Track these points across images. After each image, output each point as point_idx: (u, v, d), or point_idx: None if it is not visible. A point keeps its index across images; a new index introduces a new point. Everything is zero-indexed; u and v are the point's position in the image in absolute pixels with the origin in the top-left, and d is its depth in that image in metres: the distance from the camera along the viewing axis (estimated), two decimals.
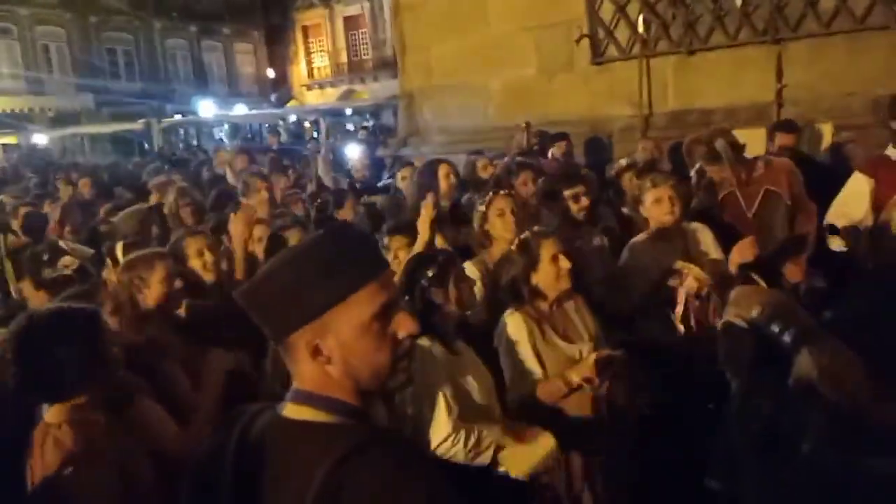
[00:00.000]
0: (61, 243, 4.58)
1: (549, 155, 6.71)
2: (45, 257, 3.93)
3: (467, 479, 2.62)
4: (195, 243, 3.71)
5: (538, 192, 4.83)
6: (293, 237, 4.29)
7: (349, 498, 1.21)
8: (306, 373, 1.38)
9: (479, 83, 8.64)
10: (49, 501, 2.13)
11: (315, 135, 27.69)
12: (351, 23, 37.67)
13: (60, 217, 5.77)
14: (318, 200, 5.82)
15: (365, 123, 27.34)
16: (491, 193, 3.93)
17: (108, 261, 3.89)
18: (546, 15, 7.99)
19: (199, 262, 3.68)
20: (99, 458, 2.15)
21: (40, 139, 24.22)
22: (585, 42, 7.81)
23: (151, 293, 3.13)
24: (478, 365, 2.96)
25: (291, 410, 1.39)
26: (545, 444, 2.82)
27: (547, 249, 3.11)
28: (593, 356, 2.95)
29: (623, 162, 5.80)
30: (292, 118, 30.53)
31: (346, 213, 5.28)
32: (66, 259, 4.15)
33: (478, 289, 3.43)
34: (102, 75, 33.25)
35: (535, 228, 3.38)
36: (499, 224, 3.78)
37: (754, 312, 1.68)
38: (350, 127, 28.11)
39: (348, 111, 29.01)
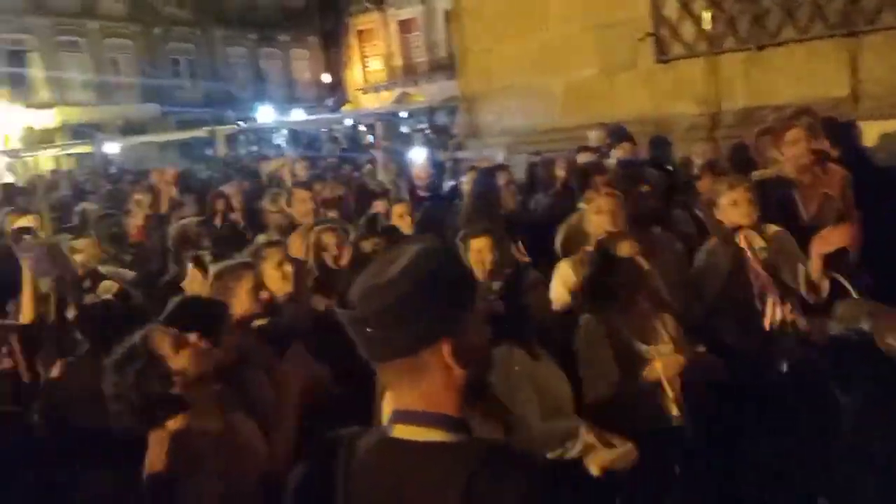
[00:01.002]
0: (101, 269, 4.73)
1: (613, 156, 6.64)
2: (87, 284, 4.06)
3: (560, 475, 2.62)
4: (275, 255, 3.77)
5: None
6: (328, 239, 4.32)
7: None
8: (426, 387, 1.36)
9: (541, 84, 8.60)
10: (157, 495, 2.20)
11: (371, 139, 28.00)
12: (405, 26, 37.92)
13: (142, 225, 5.94)
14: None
15: (420, 126, 27.51)
16: (592, 192, 3.90)
17: (192, 268, 3.98)
18: (608, 14, 7.90)
19: (279, 273, 3.72)
20: (207, 468, 2.22)
21: (112, 148, 24.98)
22: (649, 40, 7.71)
23: (238, 303, 3.20)
24: (556, 368, 2.97)
25: (403, 432, 1.38)
26: (626, 446, 2.80)
27: (623, 250, 3.09)
28: (676, 356, 2.93)
29: (697, 162, 5.70)
30: (348, 122, 30.91)
31: (400, 220, 5.25)
32: (106, 284, 4.29)
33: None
34: (167, 85, 34.17)
35: (612, 230, 3.36)
36: (596, 222, 3.74)
37: (865, 325, 1.64)
38: (405, 130, 28.33)
39: (403, 114, 29.23)
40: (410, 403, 1.38)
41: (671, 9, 7.60)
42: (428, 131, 24.37)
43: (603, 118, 7.48)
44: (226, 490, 2.28)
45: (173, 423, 2.29)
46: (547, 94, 8.55)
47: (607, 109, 7.80)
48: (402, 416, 1.39)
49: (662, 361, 2.99)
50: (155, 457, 2.28)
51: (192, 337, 2.33)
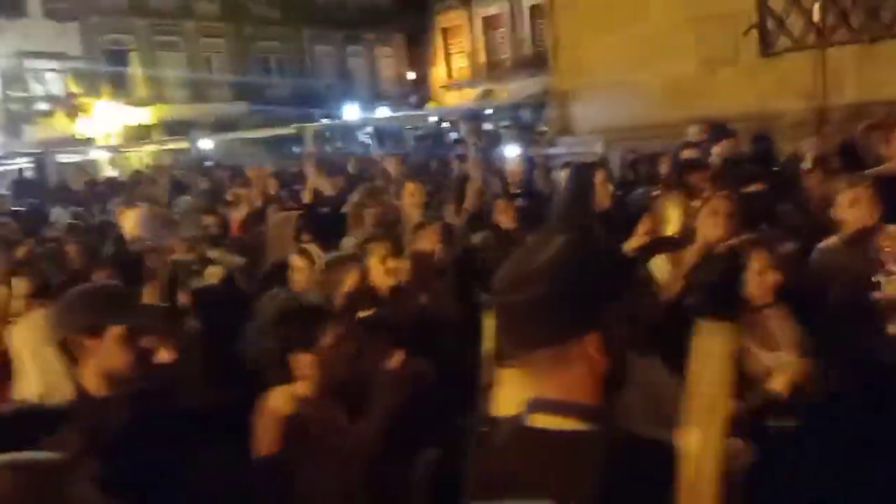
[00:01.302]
0: (210, 254, 4.84)
1: (714, 153, 6.45)
2: (195, 267, 4.16)
3: None
4: (379, 249, 3.79)
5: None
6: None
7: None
8: (568, 378, 1.34)
9: (636, 80, 8.44)
10: (269, 477, 2.25)
11: (454, 136, 28.07)
12: (490, 22, 37.85)
13: (244, 220, 6.09)
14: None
15: (503, 123, 27.41)
16: (709, 192, 3.80)
17: (297, 258, 4.06)
18: (710, 6, 7.69)
19: (382, 267, 3.75)
20: (325, 448, 2.26)
21: (205, 144, 25.84)
22: (752, 34, 7.48)
23: (343, 294, 3.25)
24: (663, 370, 2.88)
25: (541, 421, 1.35)
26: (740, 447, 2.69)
27: (757, 260, 2.97)
28: (800, 363, 2.80)
29: (807, 158, 5.47)
30: (432, 119, 31.08)
31: (502, 217, 5.19)
32: (212, 269, 4.38)
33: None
34: (256, 83, 35.12)
35: (747, 236, 3.24)
36: (710, 224, 3.63)
37: None
38: (488, 127, 28.28)
39: (487, 111, 29.17)
40: (551, 392, 1.35)
41: (777, 1, 7.34)
42: (512, 128, 24.21)
43: (703, 114, 7.28)
44: (338, 473, 2.32)
45: (284, 405, 2.34)
46: (643, 90, 8.39)
47: (707, 105, 7.59)
48: (540, 405, 1.36)
49: (785, 370, 2.87)
50: (266, 440, 2.33)
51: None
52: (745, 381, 2.91)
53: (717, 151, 6.43)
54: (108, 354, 2.13)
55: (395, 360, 3.04)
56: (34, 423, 2.14)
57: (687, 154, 6.05)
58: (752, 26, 7.38)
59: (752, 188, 4.48)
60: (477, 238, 4.36)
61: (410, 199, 5.38)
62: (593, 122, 8.99)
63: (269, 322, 2.37)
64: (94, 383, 2.16)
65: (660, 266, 3.69)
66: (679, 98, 7.97)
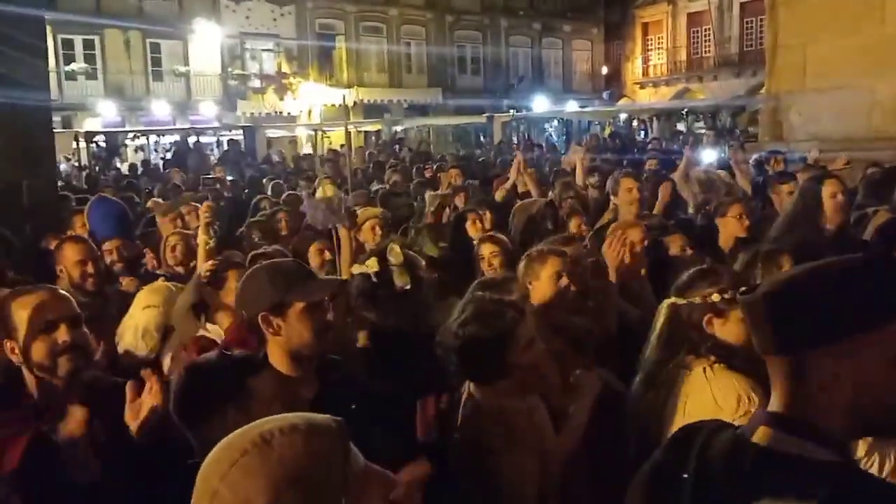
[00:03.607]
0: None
1: None
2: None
3: None
4: (574, 249, 3.66)
5: None
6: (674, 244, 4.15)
7: None
8: (796, 396, 1.25)
9: (864, 86, 7.71)
10: (475, 478, 2.25)
11: (643, 135, 27.19)
12: (695, 19, 36.25)
13: (439, 205, 6.20)
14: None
15: (699, 126, 26.17)
16: None
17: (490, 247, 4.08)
18: None
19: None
20: (522, 443, 2.23)
21: (398, 128, 26.81)
22: None
23: (540, 286, 3.19)
24: None
25: (764, 436, 1.26)
26: None
27: None
28: None
29: None
30: (623, 116, 30.29)
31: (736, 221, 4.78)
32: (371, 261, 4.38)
33: None
34: (450, 71, 35.92)
35: None
36: None
37: None
38: (681, 127, 27.12)
39: (683, 111, 27.98)
40: (783, 407, 1.28)
41: None
42: (709, 132, 23.03)
43: None
44: (540, 466, 2.28)
45: (485, 395, 2.32)
46: (871, 98, 7.66)
47: None
48: (770, 419, 1.28)
49: None
50: (472, 430, 2.32)
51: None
52: None
53: None
54: (293, 331, 2.20)
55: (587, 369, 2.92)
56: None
57: None
58: None
59: None
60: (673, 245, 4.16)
61: (627, 195, 5.20)
62: (810, 129, 8.33)
63: (474, 319, 2.34)
64: (280, 360, 2.24)
65: None
66: None
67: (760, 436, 1.27)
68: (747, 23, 32.80)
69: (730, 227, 4.50)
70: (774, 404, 1.30)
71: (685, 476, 1.30)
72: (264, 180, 11.81)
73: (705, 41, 35.65)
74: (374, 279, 3.07)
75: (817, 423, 1.24)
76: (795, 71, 8.49)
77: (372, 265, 3.06)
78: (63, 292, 2.44)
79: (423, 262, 3.38)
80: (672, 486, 1.32)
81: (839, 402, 1.23)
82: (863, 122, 7.74)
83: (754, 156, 8.19)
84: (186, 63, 29.72)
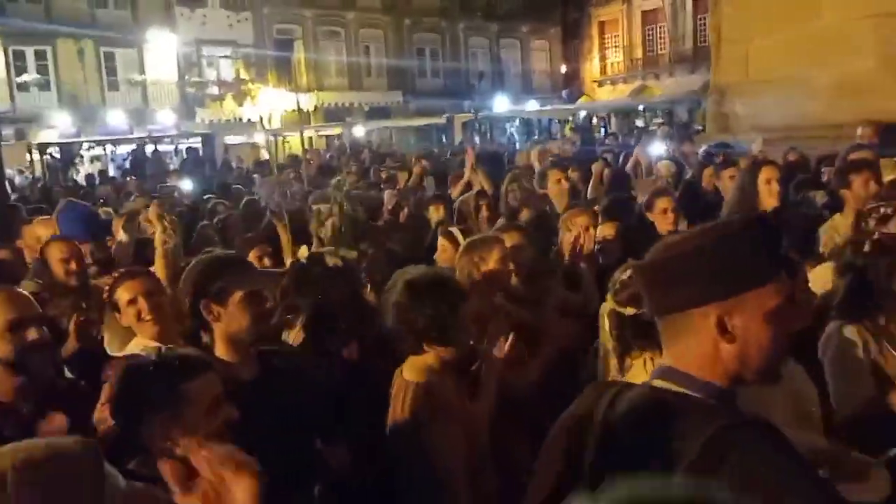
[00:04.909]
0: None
1: None
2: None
3: None
4: (510, 239, 3.78)
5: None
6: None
7: (729, 470, 1.20)
8: (692, 350, 1.38)
9: (805, 77, 7.96)
10: (405, 448, 2.34)
11: (603, 132, 27.56)
12: (649, 17, 36.78)
13: (396, 203, 6.30)
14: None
15: (656, 121, 26.61)
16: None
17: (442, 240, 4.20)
18: (892, 2, 7.12)
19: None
20: (449, 417, 2.33)
21: (358, 131, 26.80)
22: None
23: (488, 269, 3.31)
24: (802, 373, 2.73)
25: (659, 386, 1.42)
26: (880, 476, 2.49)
27: None
28: None
29: None
30: (582, 114, 30.65)
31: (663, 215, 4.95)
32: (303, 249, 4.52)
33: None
34: (410, 73, 35.99)
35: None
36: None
37: None
38: (640, 123, 27.55)
39: (640, 107, 28.44)
40: (675, 362, 1.41)
41: None
42: (665, 126, 23.44)
43: (876, 116, 6.78)
44: (467, 437, 2.39)
45: (418, 374, 2.42)
46: (811, 88, 7.90)
47: (882, 106, 7.04)
48: (664, 373, 1.43)
49: None
50: (400, 407, 2.42)
51: None
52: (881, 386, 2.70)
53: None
54: (232, 318, 2.29)
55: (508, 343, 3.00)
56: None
57: (855, 156, 5.65)
58: None
59: None
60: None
61: (556, 186, 5.41)
62: (754, 120, 8.56)
63: (401, 295, 2.45)
64: (221, 347, 2.32)
65: (821, 275, 3.48)
66: (850, 98, 7.44)
67: (656, 386, 1.42)
68: (700, 20, 33.31)
69: (659, 222, 4.63)
70: (668, 360, 1.43)
71: (596, 421, 1.44)
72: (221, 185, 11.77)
73: (660, 39, 36.20)
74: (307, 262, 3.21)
75: (704, 373, 1.37)
76: (739, 64, 8.73)
77: (303, 252, 3.20)
78: (23, 292, 2.46)
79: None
80: (585, 431, 1.45)
81: (724, 355, 1.36)
82: (806, 111, 7.98)
83: (703, 147, 8.40)
84: (142, 71, 29.37)
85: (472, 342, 2.60)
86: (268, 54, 31.25)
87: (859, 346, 2.79)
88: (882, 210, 3.44)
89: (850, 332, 2.82)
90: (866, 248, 2.96)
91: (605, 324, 2.62)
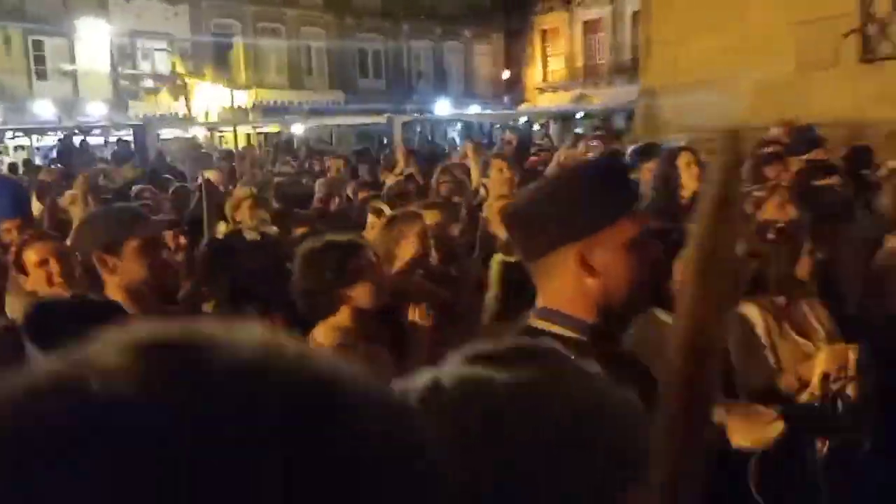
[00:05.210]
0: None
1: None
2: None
3: None
4: (430, 216, 3.84)
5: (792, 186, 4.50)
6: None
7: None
8: (561, 288, 1.44)
9: (729, 80, 8.22)
10: None
11: (543, 137, 27.94)
12: (590, 27, 37.43)
13: (327, 192, 6.32)
14: None
15: (595, 128, 27.08)
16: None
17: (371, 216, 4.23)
18: (812, 9, 7.43)
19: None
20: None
21: (297, 129, 26.51)
22: (853, 38, 7.17)
23: (408, 244, 3.34)
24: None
25: (537, 323, 1.47)
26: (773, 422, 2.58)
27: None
28: (831, 348, 2.69)
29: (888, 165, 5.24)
30: (523, 119, 30.99)
31: None
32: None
33: None
34: (352, 73, 35.81)
35: (793, 218, 3.16)
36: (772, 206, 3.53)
37: None
38: (579, 131, 27.98)
39: (579, 114, 28.91)
40: (548, 303, 1.47)
41: (882, 5, 7.02)
42: (603, 133, 23.89)
43: (795, 118, 7.03)
44: None
45: (329, 337, 2.42)
46: (735, 91, 8.17)
47: (801, 109, 7.32)
48: (539, 313, 1.49)
49: (827, 353, 2.74)
50: None
51: None
52: (779, 364, 2.82)
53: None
54: (128, 268, 2.22)
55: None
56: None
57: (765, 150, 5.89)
58: (852, 30, 7.08)
59: (825, 182, 4.38)
60: None
61: (498, 175, 5.51)
62: (681, 120, 8.80)
63: (311, 256, 2.45)
64: (119, 300, 2.24)
65: None
66: (772, 101, 7.73)
67: (529, 323, 1.48)
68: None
69: None
70: (540, 300, 1.48)
71: None
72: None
73: (600, 49, 36.85)
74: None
75: (574, 309, 1.43)
76: (667, 67, 8.96)
77: (221, 228, 3.18)
78: None
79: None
80: None
81: (590, 290, 1.42)
82: (728, 113, 8.22)
83: (631, 147, 8.57)
84: (73, 61, 28.52)
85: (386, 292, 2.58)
86: (205, 48, 30.75)
87: (761, 323, 2.89)
88: (755, 194, 3.56)
89: (752, 310, 2.92)
90: (770, 235, 3.08)
91: (494, 272, 2.69)
